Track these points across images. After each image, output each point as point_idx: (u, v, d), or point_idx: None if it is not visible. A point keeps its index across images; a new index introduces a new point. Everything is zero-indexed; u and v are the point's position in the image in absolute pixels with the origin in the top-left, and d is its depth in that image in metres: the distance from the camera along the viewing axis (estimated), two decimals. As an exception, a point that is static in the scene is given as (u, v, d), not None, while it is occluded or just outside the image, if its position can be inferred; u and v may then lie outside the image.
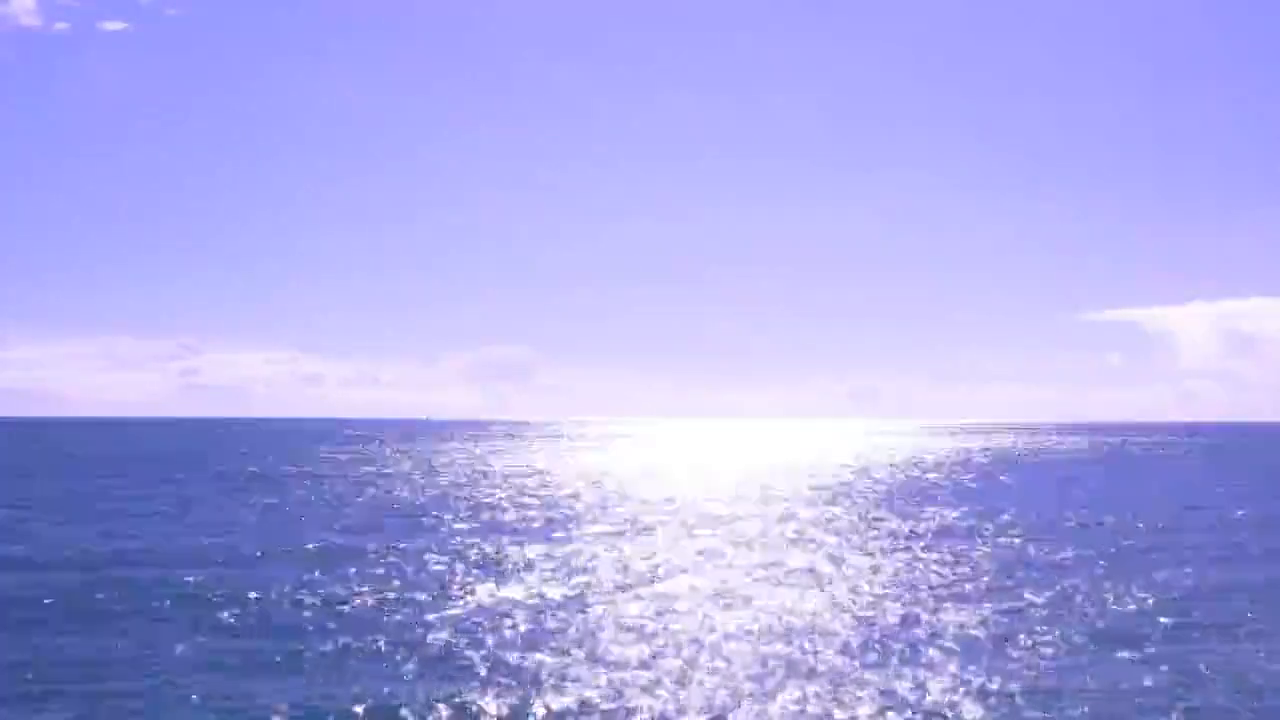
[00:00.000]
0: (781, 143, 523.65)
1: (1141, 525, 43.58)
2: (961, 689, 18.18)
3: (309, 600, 25.74)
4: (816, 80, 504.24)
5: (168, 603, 25.37)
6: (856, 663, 19.92)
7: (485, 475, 78.77)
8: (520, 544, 36.32)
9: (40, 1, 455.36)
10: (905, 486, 68.44)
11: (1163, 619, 24.08)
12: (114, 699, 17.61)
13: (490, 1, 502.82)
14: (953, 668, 19.51)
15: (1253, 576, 30.31)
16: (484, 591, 27.05)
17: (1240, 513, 49.23)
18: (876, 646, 21.14)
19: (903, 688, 18.16)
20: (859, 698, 17.67)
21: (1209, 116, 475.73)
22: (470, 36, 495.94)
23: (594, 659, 20.08)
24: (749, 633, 22.34)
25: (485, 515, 47.04)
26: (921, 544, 37.15)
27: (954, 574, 30.28)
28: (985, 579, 29.44)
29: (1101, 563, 32.62)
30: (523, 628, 22.70)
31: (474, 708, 17.06)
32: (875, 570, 30.95)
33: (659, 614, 24.11)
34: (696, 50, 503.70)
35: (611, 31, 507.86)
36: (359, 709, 17.06)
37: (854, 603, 25.80)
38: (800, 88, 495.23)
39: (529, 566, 31.33)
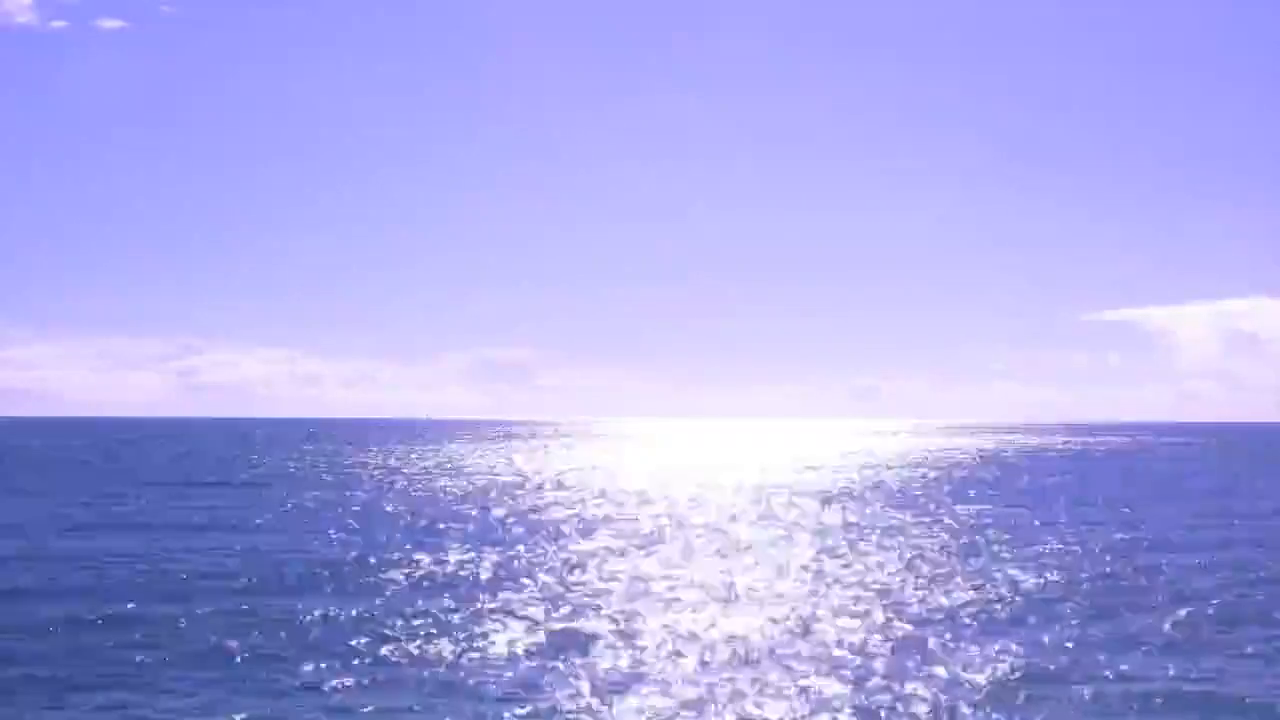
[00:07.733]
0: (782, 142, 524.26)
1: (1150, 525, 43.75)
2: (961, 685, 18.28)
3: (310, 615, 25.79)
4: (816, 79, 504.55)
5: (183, 615, 25.39)
6: (860, 661, 20.03)
7: (487, 478, 78.79)
8: (528, 549, 36.39)
9: None
10: (905, 486, 68.49)
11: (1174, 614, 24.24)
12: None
13: (490, 1, 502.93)
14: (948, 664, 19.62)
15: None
16: (474, 593, 27.13)
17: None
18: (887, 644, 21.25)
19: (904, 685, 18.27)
20: (864, 696, 17.76)
21: (1209, 116, 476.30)
22: (470, 36, 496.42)
23: (601, 661, 20.16)
24: (737, 636, 22.43)
25: (495, 521, 47.09)
26: (923, 543, 37.24)
27: (951, 571, 30.39)
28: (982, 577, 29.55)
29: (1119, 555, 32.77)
30: (526, 637, 22.79)
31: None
32: (881, 568, 31.04)
33: (665, 617, 24.21)
34: (697, 50, 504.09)
35: (611, 31, 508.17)
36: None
37: (862, 603, 25.89)
38: (799, 87, 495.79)
39: (531, 572, 31.39)
